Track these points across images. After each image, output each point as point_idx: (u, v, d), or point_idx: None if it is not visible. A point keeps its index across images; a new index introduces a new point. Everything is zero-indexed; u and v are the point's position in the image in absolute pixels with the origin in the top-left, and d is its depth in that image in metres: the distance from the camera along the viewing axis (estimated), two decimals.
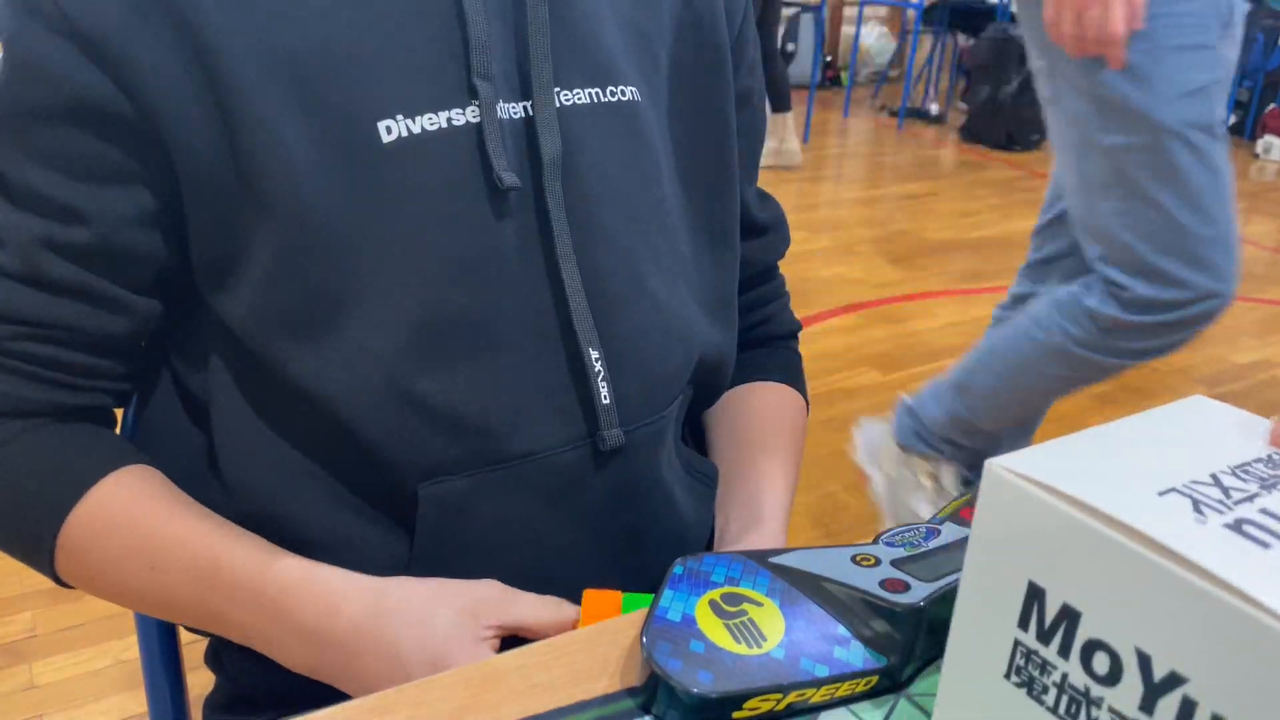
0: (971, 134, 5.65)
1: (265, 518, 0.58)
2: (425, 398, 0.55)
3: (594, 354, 0.58)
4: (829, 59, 7.17)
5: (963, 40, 6.97)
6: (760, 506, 0.67)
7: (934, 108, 6.30)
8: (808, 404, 0.78)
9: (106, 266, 0.54)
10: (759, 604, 0.48)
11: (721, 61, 0.66)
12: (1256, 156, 5.76)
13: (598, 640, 0.49)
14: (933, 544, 0.52)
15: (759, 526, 0.66)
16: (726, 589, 0.48)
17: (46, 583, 1.63)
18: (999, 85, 5.38)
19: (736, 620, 0.47)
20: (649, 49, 0.62)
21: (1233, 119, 6.26)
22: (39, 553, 0.56)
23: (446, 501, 0.56)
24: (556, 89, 0.57)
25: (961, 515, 0.54)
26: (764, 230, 0.76)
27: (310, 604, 0.53)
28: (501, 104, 0.55)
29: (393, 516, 0.58)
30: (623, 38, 0.61)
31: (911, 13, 6.63)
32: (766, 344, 0.79)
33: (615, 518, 0.62)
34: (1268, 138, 5.80)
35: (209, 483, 0.61)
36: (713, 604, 0.47)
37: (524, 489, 0.58)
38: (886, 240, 3.78)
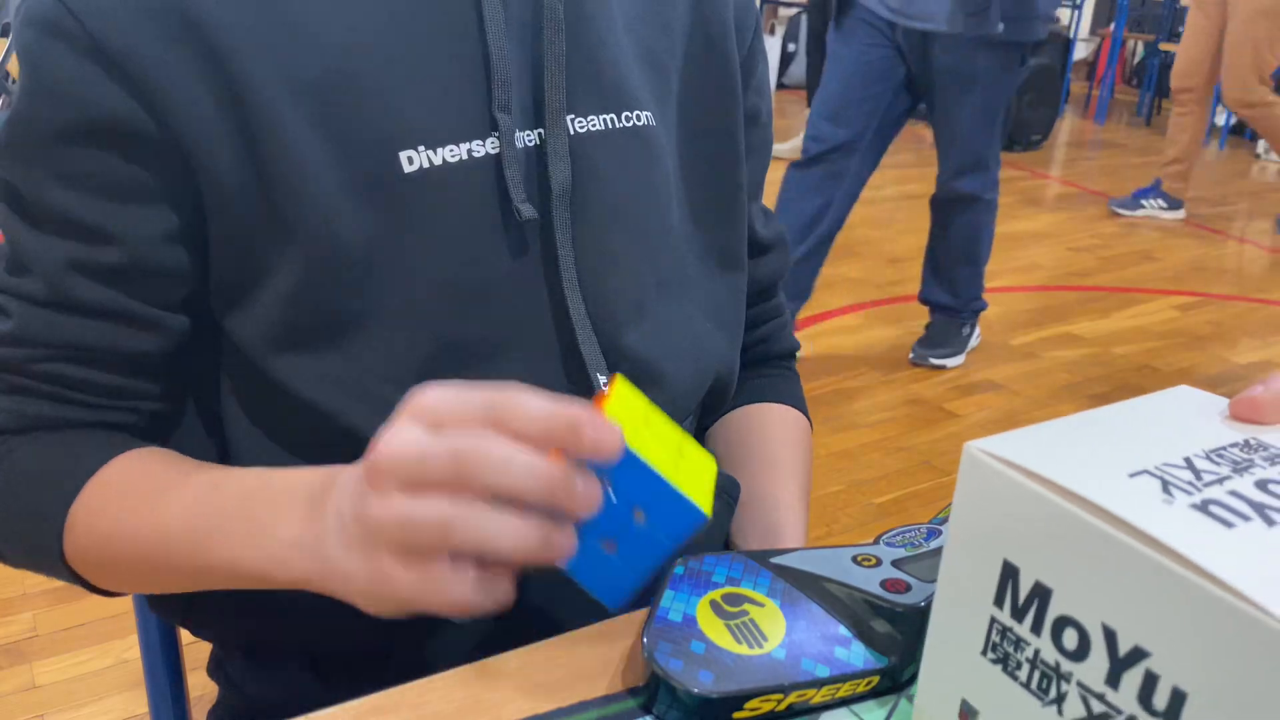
0: None
1: None
2: None
3: (601, 379, 0.58)
4: None
5: None
6: (779, 531, 0.67)
7: None
8: (810, 425, 0.78)
9: (136, 285, 0.53)
10: (760, 604, 0.48)
11: (732, 83, 0.66)
12: (1257, 157, 5.76)
13: (599, 640, 0.49)
14: (933, 544, 0.52)
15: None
16: (727, 589, 0.48)
17: (47, 583, 1.63)
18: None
19: (737, 620, 0.47)
20: (662, 73, 0.63)
21: (1234, 119, 6.26)
22: (47, 537, 0.54)
23: None
24: (571, 116, 0.57)
25: None
26: (766, 248, 0.76)
27: (306, 474, 0.49)
28: (518, 131, 0.56)
29: None
30: (638, 62, 0.61)
31: None
32: (765, 364, 0.79)
33: None
34: None
35: None
36: (714, 604, 0.47)
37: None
38: (886, 240, 3.77)
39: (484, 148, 0.54)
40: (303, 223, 0.51)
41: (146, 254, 0.53)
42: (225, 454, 0.59)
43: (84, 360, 0.54)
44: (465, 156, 0.54)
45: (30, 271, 0.52)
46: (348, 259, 0.52)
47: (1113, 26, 6.80)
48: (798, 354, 0.82)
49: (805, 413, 0.78)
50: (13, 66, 3.06)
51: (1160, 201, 4.25)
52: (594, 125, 0.58)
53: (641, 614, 0.50)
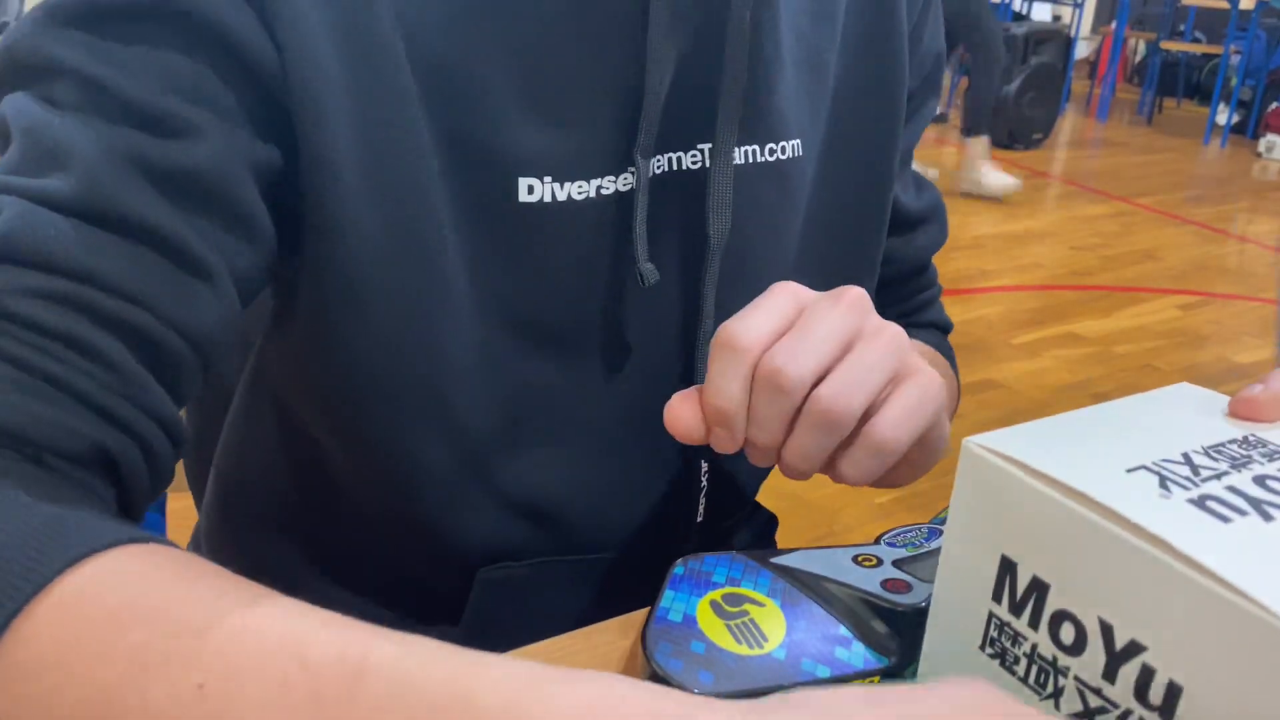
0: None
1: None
2: (503, 481, 0.51)
3: (704, 466, 0.53)
4: None
5: None
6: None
7: None
8: (959, 387, 0.68)
9: (199, 213, 0.39)
10: (760, 604, 0.48)
11: (894, 89, 0.57)
12: (1259, 155, 5.75)
13: (598, 640, 0.49)
14: (934, 544, 0.52)
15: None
16: (728, 589, 0.48)
17: None
18: (1000, 85, 5.37)
19: (738, 621, 0.47)
20: (821, 76, 0.54)
21: (1235, 118, 6.25)
22: None
23: (504, 586, 0.53)
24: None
25: None
26: (917, 223, 0.65)
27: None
28: (657, 155, 0.48)
29: (437, 598, 0.54)
30: (798, 73, 0.53)
31: None
32: (918, 328, 0.69)
33: None
34: (1270, 136, 5.79)
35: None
36: (714, 604, 0.47)
37: (582, 582, 0.55)
38: None
39: (614, 185, 0.47)
40: (407, 230, 0.43)
41: (226, 172, 0.39)
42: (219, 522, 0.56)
43: (84, 306, 0.36)
44: (593, 194, 0.46)
45: (60, 166, 0.36)
46: (443, 282, 0.45)
47: (1114, 25, 6.80)
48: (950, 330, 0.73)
49: (954, 364, 0.69)
50: None
51: None
52: (737, 159, 0.50)
53: (641, 614, 0.50)
